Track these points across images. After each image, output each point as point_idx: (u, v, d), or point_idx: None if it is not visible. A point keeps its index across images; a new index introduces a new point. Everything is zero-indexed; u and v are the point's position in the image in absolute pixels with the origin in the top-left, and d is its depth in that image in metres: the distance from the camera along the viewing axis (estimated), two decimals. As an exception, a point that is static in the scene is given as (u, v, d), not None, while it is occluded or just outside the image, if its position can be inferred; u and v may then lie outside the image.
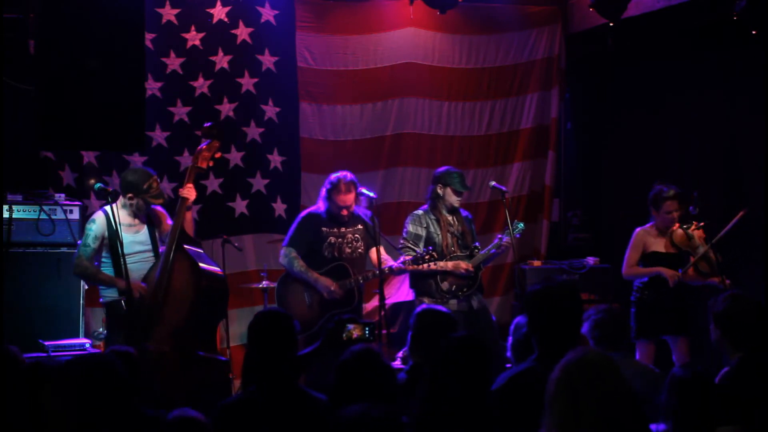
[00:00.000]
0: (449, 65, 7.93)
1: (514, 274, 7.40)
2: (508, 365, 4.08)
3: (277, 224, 7.32)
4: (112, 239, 5.36)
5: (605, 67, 8.32)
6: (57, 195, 6.11)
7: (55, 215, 5.96)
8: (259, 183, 7.39)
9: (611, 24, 6.67)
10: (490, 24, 7.99)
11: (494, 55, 8.03)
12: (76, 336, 5.87)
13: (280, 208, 7.42)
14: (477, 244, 6.25)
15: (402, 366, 4.90)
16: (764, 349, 3.66)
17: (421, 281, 6.12)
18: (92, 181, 6.69)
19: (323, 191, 6.03)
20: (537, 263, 7.62)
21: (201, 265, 5.31)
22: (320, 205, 6.06)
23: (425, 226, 6.13)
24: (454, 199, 6.15)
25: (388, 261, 6.01)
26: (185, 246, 5.34)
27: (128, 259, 5.17)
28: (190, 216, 5.53)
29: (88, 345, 5.77)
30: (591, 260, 7.54)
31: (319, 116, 7.58)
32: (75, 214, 6.04)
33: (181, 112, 7.13)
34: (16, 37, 6.25)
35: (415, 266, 5.92)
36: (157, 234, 5.64)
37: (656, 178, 6.34)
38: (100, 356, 3.27)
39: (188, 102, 7.14)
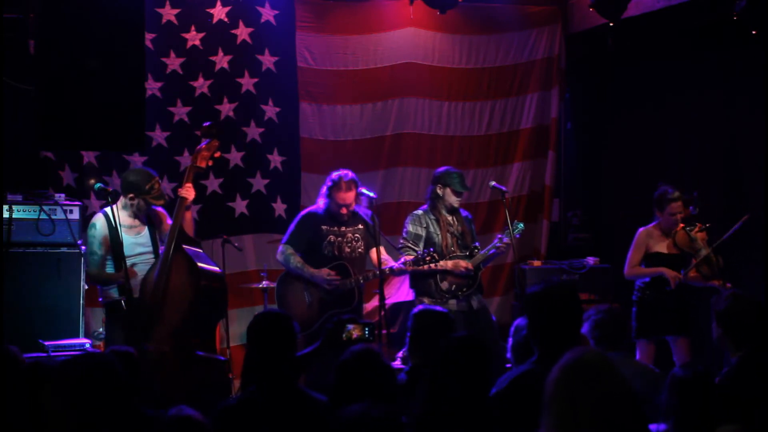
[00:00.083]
0: (449, 65, 7.93)
1: (514, 274, 7.39)
2: (508, 365, 4.08)
3: (277, 224, 7.32)
4: (113, 240, 5.36)
5: (605, 67, 8.32)
6: (57, 195, 6.10)
7: (55, 215, 5.94)
8: (259, 183, 7.39)
9: (611, 24, 6.68)
10: (490, 24, 7.99)
11: (494, 55, 8.03)
12: (76, 336, 5.85)
13: (280, 208, 7.42)
14: (477, 244, 6.25)
15: (402, 366, 4.90)
16: (764, 348, 3.67)
17: (420, 281, 6.12)
18: (92, 181, 6.69)
19: (324, 189, 6.03)
20: (537, 263, 7.62)
21: (199, 264, 5.30)
22: (320, 204, 6.06)
23: (425, 226, 6.12)
24: (453, 200, 6.14)
25: (389, 261, 6.01)
26: (184, 246, 5.33)
27: (129, 261, 5.16)
28: (189, 216, 5.53)
29: (88, 345, 5.76)
30: (591, 260, 7.54)
31: (319, 116, 7.58)
32: (75, 214, 6.02)
33: (181, 112, 7.13)
34: (16, 37, 6.25)
35: (416, 267, 5.92)
36: (157, 234, 5.64)
37: (656, 178, 6.35)
38: (99, 356, 3.26)
39: (188, 102, 7.15)
